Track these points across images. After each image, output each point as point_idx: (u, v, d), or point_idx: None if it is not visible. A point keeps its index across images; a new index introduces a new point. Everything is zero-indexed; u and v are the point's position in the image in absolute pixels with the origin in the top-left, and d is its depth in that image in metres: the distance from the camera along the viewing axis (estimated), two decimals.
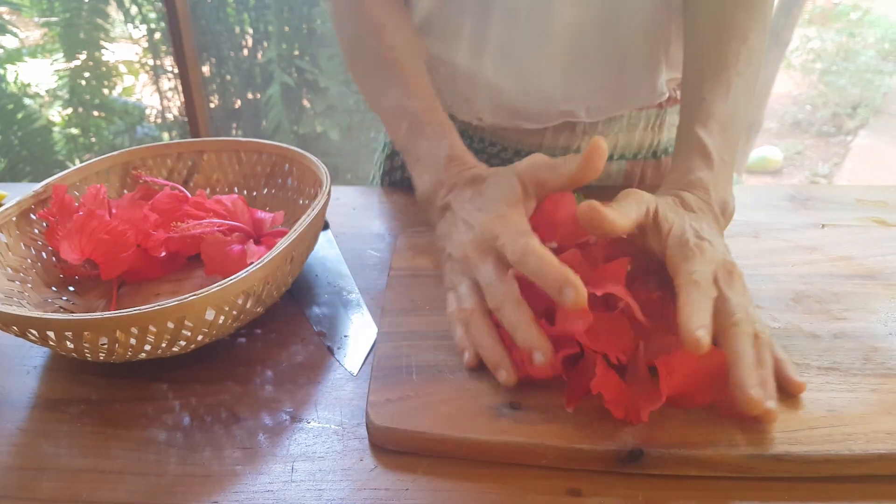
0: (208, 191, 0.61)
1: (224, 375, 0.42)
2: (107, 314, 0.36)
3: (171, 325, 0.38)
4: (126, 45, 2.14)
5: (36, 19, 2.04)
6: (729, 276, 0.39)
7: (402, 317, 0.45)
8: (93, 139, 2.17)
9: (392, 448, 0.36)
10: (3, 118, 2.00)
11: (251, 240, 0.51)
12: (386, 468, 0.35)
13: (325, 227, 0.60)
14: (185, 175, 0.61)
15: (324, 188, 0.49)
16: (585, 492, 0.34)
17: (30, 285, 0.47)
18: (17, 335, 0.38)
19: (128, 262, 0.49)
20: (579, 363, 0.37)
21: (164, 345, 0.39)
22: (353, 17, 0.59)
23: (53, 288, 0.49)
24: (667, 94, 0.63)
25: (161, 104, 2.19)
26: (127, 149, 0.58)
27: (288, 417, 0.39)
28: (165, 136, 2.24)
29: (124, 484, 0.34)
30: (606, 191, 0.42)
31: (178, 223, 0.50)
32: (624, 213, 0.38)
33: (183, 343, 0.40)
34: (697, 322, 0.33)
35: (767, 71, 2.20)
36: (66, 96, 2.09)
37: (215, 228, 0.51)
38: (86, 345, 0.37)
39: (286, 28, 1.99)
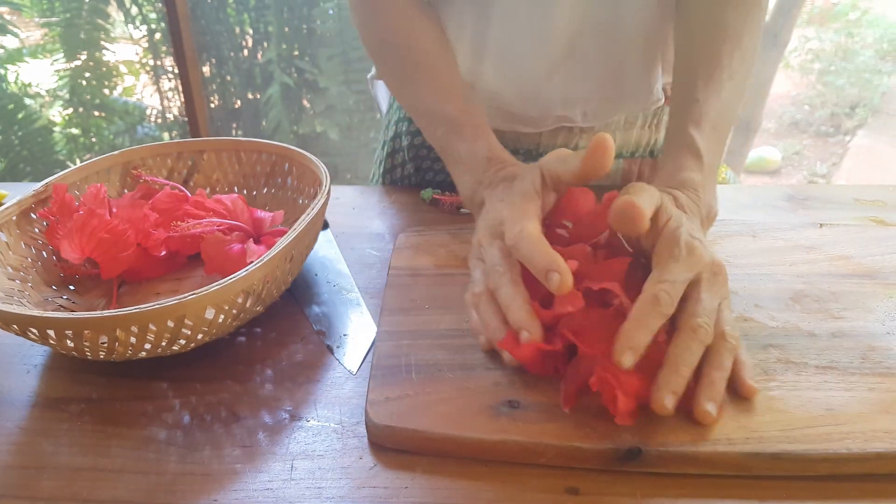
0: (208, 190, 0.61)
1: (224, 374, 0.42)
2: (107, 313, 0.36)
3: (171, 323, 0.38)
4: (126, 46, 2.13)
5: (36, 19, 2.04)
6: (714, 277, 0.38)
7: (402, 316, 0.45)
8: (93, 139, 2.17)
9: (391, 446, 0.36)
10: (3, 118, 2.00)
11: (251, 239, 0.51)
12: (385, 467, 0.35)
13: (325, 226, 0.60)
14: (185, 174, 0.61)
15: (323, 188, 0.50)
16: (584, 490, 0.34)
17: (30, 284, 0.47)
18: (17, 334, 0.39)
19: (128, 262, 0.49)
20: (572, 362, 0.37)
21: (164, 343, 0.39)
22: (378, 21, 0.57)
23: (54, 287, 0.49)
24: (663, 100, 0.64)
25: (161, 104, 2.19)
26: (127, 148, 0.58)
27: (287, 416, 0.39)
28: (166, 136, 2.24)
29: (124, 482, 0.34)
30: (605, 189, 0.42)
31: (178, 222, 0.51)
32: (648, 209, 0.38)
33: (183, 342, 0.40)
34: (632, 342, 0.34)
35: (766, 71, 2.20)
36: (67, 96, 2.09)
37: (215, 228, 0.51)
38: (86, 343, 0.38)
39: (286, 28, 1.99)
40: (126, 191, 0.58)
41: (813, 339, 0.42)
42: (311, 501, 0.33)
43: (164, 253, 0.51)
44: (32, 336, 0.38)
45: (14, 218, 0.48)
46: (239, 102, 2.13)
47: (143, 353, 0.40)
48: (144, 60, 2.13)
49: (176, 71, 1.89)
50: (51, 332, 0.37)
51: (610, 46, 0.59)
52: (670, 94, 0.56)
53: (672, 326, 0.37)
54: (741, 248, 0.53)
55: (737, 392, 0.37)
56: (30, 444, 0.37)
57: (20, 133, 2.04)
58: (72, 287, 0.50)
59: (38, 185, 0.50)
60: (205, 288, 0.38)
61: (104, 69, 2.09)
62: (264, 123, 2.10)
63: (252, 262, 0.41)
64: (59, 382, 0.42)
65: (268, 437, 0.37)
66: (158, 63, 2.11)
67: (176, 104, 2.17)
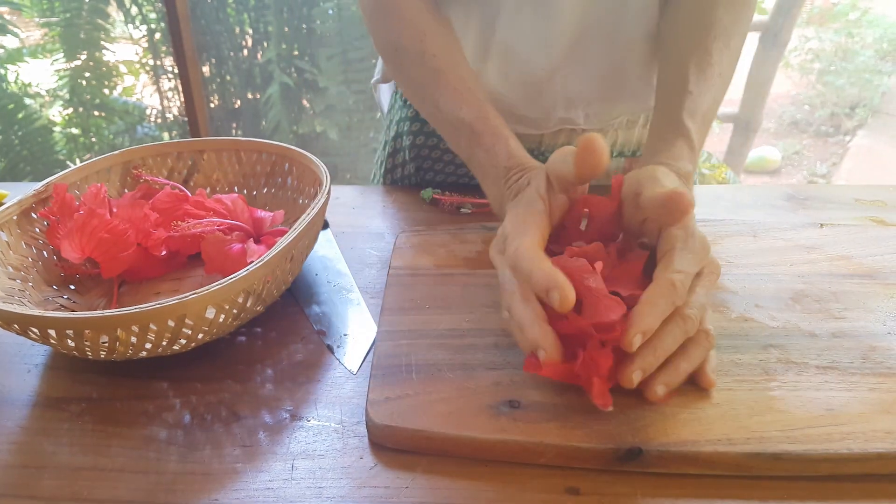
0: (208, 190, 0.61)
1: (224, 374, 0.42)
2: (108, 312, 0.36)
3: (171, 323, 0.38)
4: (126, 46, 2.13)
5: (36, 19, 2.04)
6: (711, 274, 0.39)
7: (402, 315, 0.45)
8: (93, 139, 2.17)
9: (391, 446, 0.36)
10: (3, 118, 2.00)
11: (251, 239, 0.51)
12: (385, 466, 0.35)
13: (325, 226, 0.60)
14: (185, 174, 0.61)
15: (323, 187, 0.50)
16: (584, 490, 0.34)
17: (31, 284, 0.47)
18: (18, 333, 0.39)
19: (128, 261, 0.49)
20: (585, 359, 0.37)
21: (164, 343, 0.39)
22: (391, 27, 0.56)
23: (54, 286, 0.49)
24: None
25: (161, 104, 2.19)
26: (127, 148, 0.58)
27: (288, 416, 0.39)
28: (166, 135, 2.23)
29: (125, 482, 0.34)
30: (606, 190, 0.42)
31: (179, 222, 0.51)
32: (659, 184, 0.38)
33: (183, 341, 0.40)
34: (644, 326, 0.34)
35: (766, 71, 2.20)
36: (67, 96, 2.09)
37: (215, 227, 0.51)
38: (87, 343, 0.38)
39: (286, 28, 1.99)
40: (126, 190, 0.58)
41: (813, 340, 0.42)
42: (311, 501, 0.33)
43: (164, 253, 0.51)
44: (33, 335, 0.38)
45: (14, 217, 0.48)
46: (239, 102, 2.13)
47: (144, 353, 0.40)
48: (144, 60, 2.13)
49: (176, 71, 1.89)
50: (51, 332, 0.37)
51: (612, 47, 0.59)
52: (657, 76, 0.54)
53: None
54: (741, 247, 0.53)
55: (695, 382, 0.37)
56: (30, 444, 0.37)
57: (20, 133, 2.03)
58: (72, 287, 0.50)
59: (38, 185, 0.50)
60: (205, 287, 0.38)
61: (104, 69, 2.09)
62: (264, 123, 2.10)
63: (252, 261, 0.41)
64: (59, 382, 0.42)
65: (268, 437, 0.37)
66: (158, 63, 2.11)
67: (176, 104, 2.17)
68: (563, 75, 0.61)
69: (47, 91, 2.13)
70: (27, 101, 2.08)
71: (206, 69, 2.03)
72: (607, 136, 0.67)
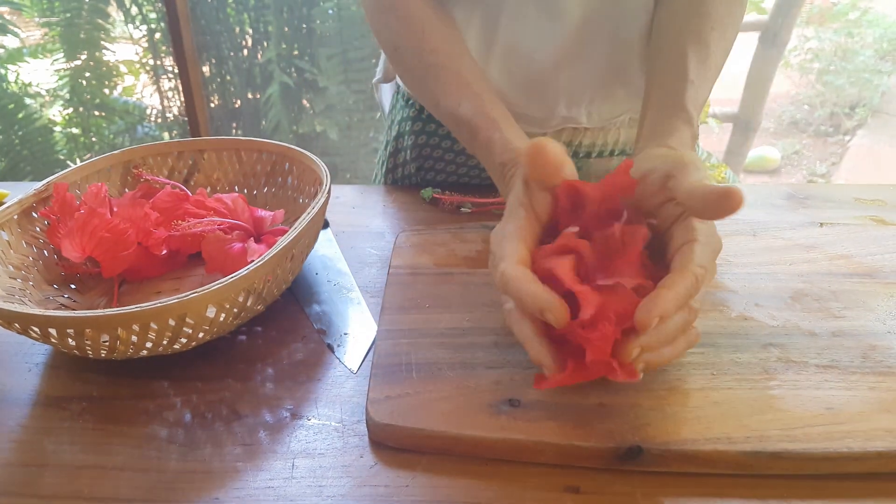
0: (209, 189, 0.61)
1: (225, 373, 0.42)
2: (108, 311, 0.36)
3: (172, 322, 0.38)
4: (126, 46, 2.13)
5: (36, 19, 2.04)
6: (712, 273, 0.38)
7: (402, 314, 0.45)
8: (93, 139, 2.17)
9: (392, 445, 0.36)
10: (3, 118, 2.00)
11: (251, 238, 0.52)
12: (386, 465, 0.35)
13: (325, 225, 0.60)
14: (185, 174, 0.61)
15: (324, 187, 0.50)
16: (584, 489, 0.34)
17: (31, 283, 0.47)
18: (18, 332, 0.39)
19: (129, 261, 0.49)
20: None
21: (165, 342, 0.39)
22: (390, 22, 0.56)
23: (55, 286, 0.49)
24: None
25: (161, 104, 2.19)
26: (128, 147, 0.58)
27: (288, 414, 0.39)
28: (166, 135, 2.23)
29: (126, 480, 0.34)
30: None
31: (179, 221, 0.51)
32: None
33: (184, 340, 0.40)
34: (663, 310, 0.33)
35: (765, 70, 2.20)
36: (67, 96, 2.09)
37: (216, 227, 0.51)
38: (87, 342, 0.38)
39: (286, 28, 1.99)
40: (127, 190, 0.58)
41: (813, 338, 0.42)
42: (311, 500, 0.33)
43: (164, 252, 0.51)
44: (34, 334, 0.38)
45: (15, 217, 0.48)
46: (239, 102, 2.13)
47: (145, 352, 0.40)
48: (144, 60, 2.12)
49: (176, 71, 1.89)
50: (52, 331, 0.37)
51: (615, 45, 0.59)
52: (652, 63, 0.54)
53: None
54: (741, 247, 0.53)
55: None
56: (31, 443, 0.37)
57: (20, 133, 2.03)
58: (73, 286, 0.50)
59: (38, 185, 0.50)
60: (206, 287, 0.38)
61: (104, 69, 2.09)
62: (264, 123, 2.10)
63: (253, 261, 0.41)
64: (60, 381, 0.42)
65: (269, 436, 0.37)
66: (158, 63, 2.11)
67: (176, 104, 2.17)
68: (566, 73, 0.61)
69: (47, 91, 2.13)
70: (27, 100, 2.08)
71: (206, 69, 2.03)
72: (609, 135, 0.67)
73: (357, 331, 0.46)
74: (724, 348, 0.41)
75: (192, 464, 0.35)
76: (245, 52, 2.07)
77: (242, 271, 0.39)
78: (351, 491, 0.34)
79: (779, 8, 2.11)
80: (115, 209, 0.51)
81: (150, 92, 2.29)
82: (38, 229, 0.50)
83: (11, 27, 2.00)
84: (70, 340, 0.37)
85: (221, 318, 0.41)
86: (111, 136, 2.17)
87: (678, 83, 0.48)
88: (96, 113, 2.14)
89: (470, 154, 0.70)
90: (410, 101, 0.72)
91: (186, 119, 1.87)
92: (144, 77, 2.25)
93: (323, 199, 0.48)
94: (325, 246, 0.57)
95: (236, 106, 2.13)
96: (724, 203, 0.33)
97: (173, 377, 0.42)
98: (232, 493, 0.34)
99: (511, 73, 0.62)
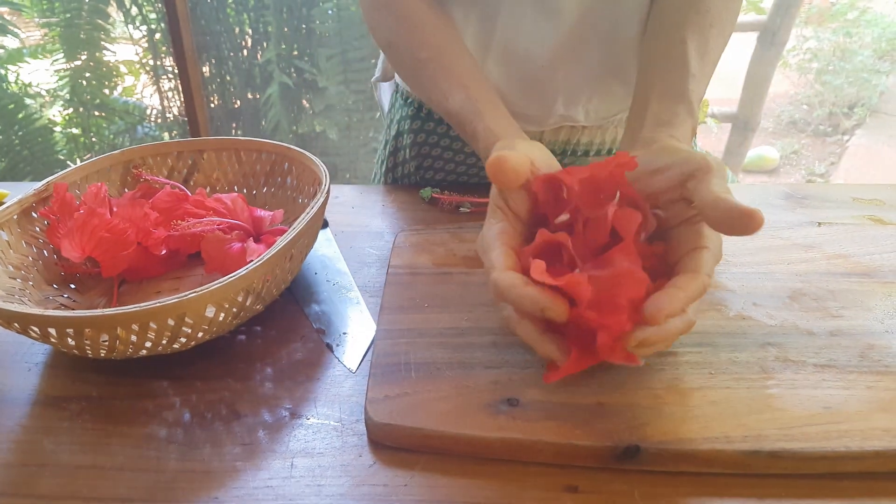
0: (208, 189, 0.61)
1: (224, 372, 0.42)
2: (108, 311, 0.36)
3: (171, 322, 0.38)
4: (126, 46, 2.13)
5: (36, 19, 2.04)
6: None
7: (401, 314, 0.45)
8: (93, 139, 2.17)
9: (390, 444, 0.36)
10: (3, 118, 2.00)
11: (251, 238, 0.52)
12: (384, 464, 0.35)
13: (325, 225, 0.60)
14: (185, 174, 0.61)
15: (323, 187, 0.50)
16: (583, 488, 0.34)
17: (31, 283, 0.48)
18: (18, 332, 0.39)
19: (128, 260, 0.49)
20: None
21: (164, 342, 0.39)
22: (385, 19, 0.56)
23: (54, 286, 0.49)
24: None
25: (161, 104, 2.19)
26: (128, 148, 0.58)
27: (287, 414, 0.39)
28: (166, 136, 2.23)
29: (125, 480, 0.35)
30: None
31: (179, 221, 0.51)
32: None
33: (183, 340, 0.40)
34: (671, 310, 0.33)
35: (764, 70, 2.20)
36: (67, 96, 2.09)
37: (215, 227, 0.51)
38: (87, 342, 0.38)
39: (285, 29, 1.99)
40: (126, 190, 0.58)
41: (811, 338, 0.42)
42: (310, 499, 0.33)
43: (164, 252, 0.51)
44: (33, 334, 0.38)
45: (15, 217, 0.48)
46: (238, 102, 2.13)
47: (144, 352, 0.40)
48: (144, 60, 2.13)
49: (176, 71, 1.89)
50: (52, 331, 0.37)
51: (612, 43, 0.59)
52: (650, 54, 0.53)
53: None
54: (739, 246, 0.53)
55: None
56: (30, 442, 0.37)
57: (20, 133, 2.03)
58: (72, 286, 0.51)
59: (38, 185, 0.51)
60: (205, 286, 0.38)
61: (104, 69, 2.09)
62: (264, 123, 2.10)
63: (252, 260, 0.41)
64: (59, 380, 0.42)
65: (268, 435, 0.37)
66: (158, 63, 2.11)
67: (176, 104, 2.17)
68: (564, 72, 0.61)
69: (47, 91, 2.13)
70: (27, 101, 2.08)
71: (205, 69, 2.03)
72: (607, 133, 0.67)
73: (356, 330, 0.46)
74: (722, 348, 0.41)
75: (191, 463, 0.36)
76: (245, 52, 2.07)
77: (241, 271, 0.39)
78: (349, 490, 0.34)
79: (777, 8, 2.11)
80: (114, 209, 0.51)
81: (150, 92, 2.29)
82: (37, 229, 0.50)
83: (11, 27, 2.00)
84: (69, 340, 0.38)
85: (221, 318, 0.41)
86: (111, 137, 2.17)
87: (681, 75, 0.48)
88: (96, 113, 2.14)
89: (469, 152, 0.70)
90: (409, 100, 0.72)
91: (186, 119, 1.87)
92: (144, 77, 2.25)
93: (322, 199, 0.48)
94: (325, 246, 0.57)
95: (236, 106, 2.13)
96: (745, 222, 0.33)
97: (172, 377, 0.42)
98: (231, 493, 0.34)
99: (508, 73, 0.62)
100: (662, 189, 0.39)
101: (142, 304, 0.36)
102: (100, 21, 2.01)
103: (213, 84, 2.08)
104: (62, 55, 2.02)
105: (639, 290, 0.34)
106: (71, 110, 2.13)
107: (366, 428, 0.37)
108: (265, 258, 0.41)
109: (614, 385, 0.38)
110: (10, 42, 2.05)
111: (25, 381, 0.42)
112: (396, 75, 0.75)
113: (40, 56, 2.05)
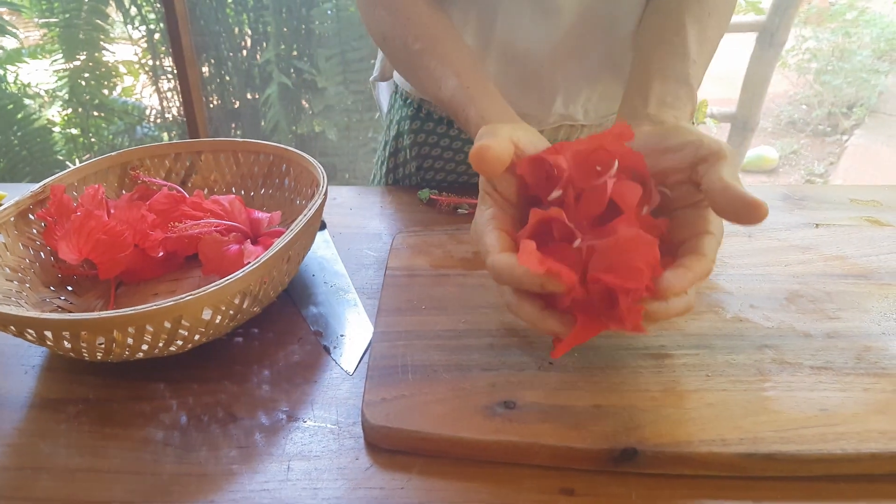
0: (206, 191, 0.61)
1: (221, 375, 0.42)
2: (104, 314, 0.36)
3: (168, 324, 0.38)
4: (125, 46, 2.13)
5: (36, 20, 2.04)
6: None
7: (398, 316, 0.45)
8: (92, 139, 2.17)
9: (387, 447, 0.36)
10: (2, 118, 2.00)
11: (248, 240, 0.52)
12: (381, 467, 0.35)
13: (322, 227, 0.60)
14: (182, 175, 0.61)
15: (321, 188, 0.50)
16: (579, 491, 0.34)
17: (28, 285, 0.48)
18: (14, 335, 0.39)
19: (125, 262, 0.49)
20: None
21: (161, 344, 0.39)
22: (379, 14, 0.57)
23: (51, 288, 0.49)
24: None
25: (160, 104, 2.19)
26: (125, 149, 0.58)
27: (284, 417, 0.39)
28: (165, 136, 2.23)
29: (121, 483, 0.35)
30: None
31: (176, 223, 0.51)
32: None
33: (180, 343, 0.40)
34: (679, 289, 0.33)
35: (763, 70, 2.20)
36: (66, 97, 2.09)
37: (213, 228, 0.51)
38: (83, 344, 0.38)
39: (285, 29, 1.99)
40: (124, 192, 0.58)
41: (808, 340, 0.42)
42: (307, 502, 0.33)
43: (161, 254, 0.51)
44: (30, 337, 0.38)
45: (12, 219, 0.48)
46: (238, 103, 2.13)
47: (141, 354, 0.40)
48: (143, 61, 2.13)
49: (175, 71, 1.89)
50: (48, 333, 0.37)
51: (611, 42, 0.59)
52: (647, 40, 0.53)
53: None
54: (737, 248, 0.53)
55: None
56: (27, 445, 0.37)
57: (19, 133, 2.03)
58: (69, 288, 0.51)
59: (36, 186, 0.50)
60: (202, 289, 0.38)
61: (103, 69, 2.09)
62: (263, 123, 2.10)
63: (249, 262, 0.41)
64: (56, 383, 0.42)
65: (264, 438, 0.37)
66: (157, 63, 2.11)
67: (175, 104, 2.17)
68: (563, 71, 0.61)
69: (46, 91, 2.13)
70: (26, 101, 2.08)
71: (205, 69, 2.03)
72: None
73: (353, 333, 0.46)
74: (719, 350, 0.41)
75: (187, 466, 0.36)
76: (244, 52, 2.07)
77: (239, 273, 0.39)
78: (346, 493, 0.34)
79: (776, 8, 2.11)
80: (112, 211, 0.51)
81: (149, 92, 2.29)
82: (34, 231, 0.50)
83: (10, 28, 2.00)
84: (66, 343, 0.37)
85: (217, 321, 0.41)
86: (110, 137, 2.17)
87: (682, 59, 0.47)
88: (95, 113, 2.14)
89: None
90: (409, 101, 0.72)
91: (185, 119, 1.87)
92: (143, 77, 2.25)
93: (320, 201, 0.48)
94: (322, 247, 0.57)
95: (235, 106, 2.14)
96: (750, 212, 0.33)
97: (169, 379, 0.42)
98: (227, 496, 0.34)
99: (508, 72, 0.62)
100: (672, 169, 0.38)
101: (138, 307, 0.36)
102: (99, 21, 2.01)
103: (213, 84, 2.08)
104: (61, 55, 2.02)
105: (654, 253, 0.33)
106: (70, 110, 2.13)
107: (363, 431, 0.37)
108: (262, 260, 0.41)
109: (611, 388, 0.38)
110: (9, 42, 2.05)
111: (22, 383, 0.42)
112: (395, 75, 0.75)
113: (39, 56, 2.05)
